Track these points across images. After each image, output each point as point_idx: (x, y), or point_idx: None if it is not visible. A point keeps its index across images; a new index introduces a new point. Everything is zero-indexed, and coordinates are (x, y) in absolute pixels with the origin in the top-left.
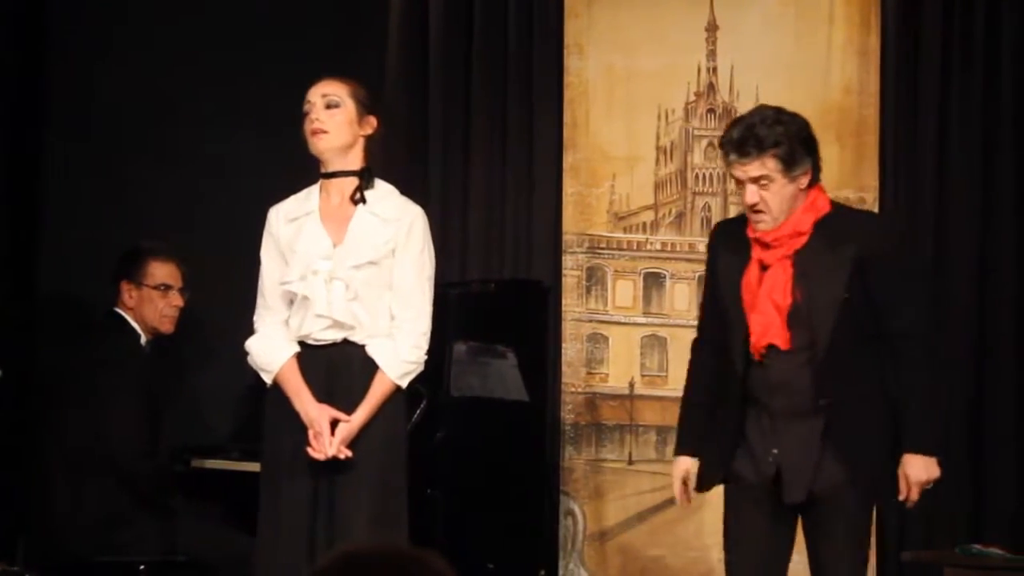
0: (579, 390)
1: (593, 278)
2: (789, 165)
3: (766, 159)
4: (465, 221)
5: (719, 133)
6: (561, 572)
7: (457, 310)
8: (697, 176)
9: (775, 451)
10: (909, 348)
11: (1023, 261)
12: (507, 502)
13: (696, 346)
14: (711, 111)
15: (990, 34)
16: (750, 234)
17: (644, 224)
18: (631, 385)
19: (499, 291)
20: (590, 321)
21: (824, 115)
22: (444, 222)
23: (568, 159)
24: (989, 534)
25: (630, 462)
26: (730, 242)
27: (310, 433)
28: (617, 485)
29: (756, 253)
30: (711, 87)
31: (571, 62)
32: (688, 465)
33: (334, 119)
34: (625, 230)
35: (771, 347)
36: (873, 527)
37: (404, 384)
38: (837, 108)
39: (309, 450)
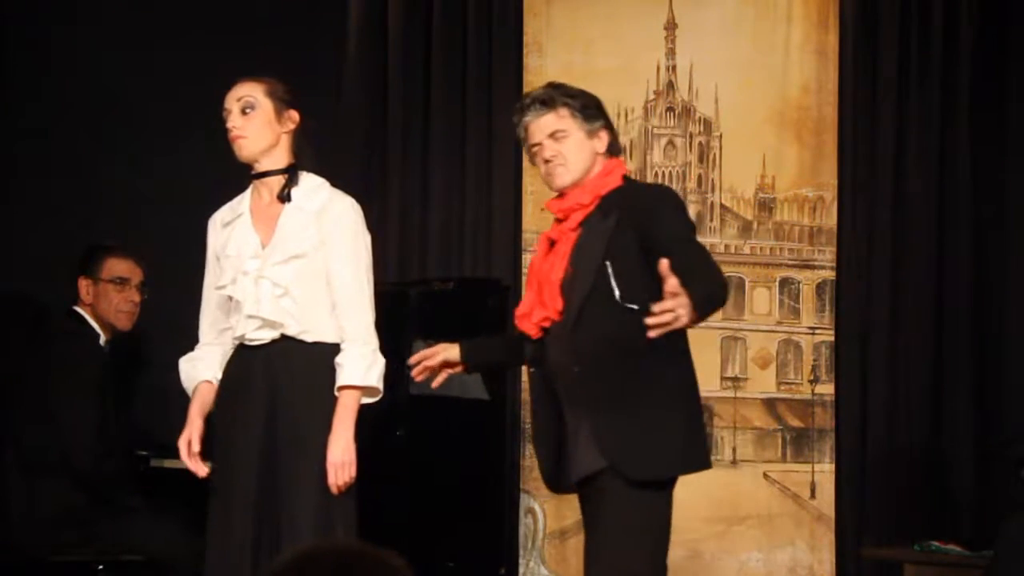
0: None
1: None
2: (585, 118)
3: (560, 110)
4: (425, 219)
5: (679, 132)
6: (522, 570)
7: (417, 308)
8: (657, 174)
9: (561, 438)
10: (679, 248)
11: (980, 259)
12: (467, 501)
13: None
14: (670, 110)
15: (948, 32)
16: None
17: None
18: None
19: (459, 289)
20: None
21: (783, 113)
22: (404, 220)
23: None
24: (948, 531)
25: None
26: None
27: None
28: None
29: (546, 231)
30: (670, 85)
31: (530, 60)
32: None
33: (251, 123)
34: None
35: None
36: (834, 522)
37: (373, 380)
38: (796, 107)
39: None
